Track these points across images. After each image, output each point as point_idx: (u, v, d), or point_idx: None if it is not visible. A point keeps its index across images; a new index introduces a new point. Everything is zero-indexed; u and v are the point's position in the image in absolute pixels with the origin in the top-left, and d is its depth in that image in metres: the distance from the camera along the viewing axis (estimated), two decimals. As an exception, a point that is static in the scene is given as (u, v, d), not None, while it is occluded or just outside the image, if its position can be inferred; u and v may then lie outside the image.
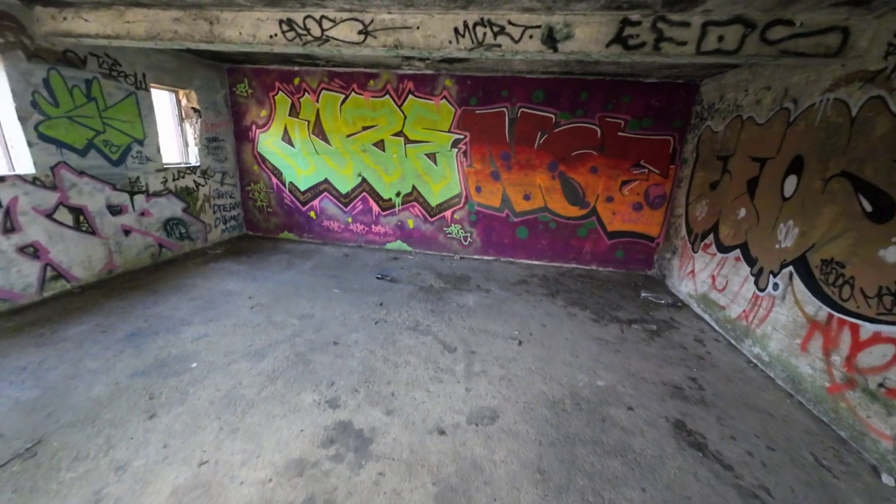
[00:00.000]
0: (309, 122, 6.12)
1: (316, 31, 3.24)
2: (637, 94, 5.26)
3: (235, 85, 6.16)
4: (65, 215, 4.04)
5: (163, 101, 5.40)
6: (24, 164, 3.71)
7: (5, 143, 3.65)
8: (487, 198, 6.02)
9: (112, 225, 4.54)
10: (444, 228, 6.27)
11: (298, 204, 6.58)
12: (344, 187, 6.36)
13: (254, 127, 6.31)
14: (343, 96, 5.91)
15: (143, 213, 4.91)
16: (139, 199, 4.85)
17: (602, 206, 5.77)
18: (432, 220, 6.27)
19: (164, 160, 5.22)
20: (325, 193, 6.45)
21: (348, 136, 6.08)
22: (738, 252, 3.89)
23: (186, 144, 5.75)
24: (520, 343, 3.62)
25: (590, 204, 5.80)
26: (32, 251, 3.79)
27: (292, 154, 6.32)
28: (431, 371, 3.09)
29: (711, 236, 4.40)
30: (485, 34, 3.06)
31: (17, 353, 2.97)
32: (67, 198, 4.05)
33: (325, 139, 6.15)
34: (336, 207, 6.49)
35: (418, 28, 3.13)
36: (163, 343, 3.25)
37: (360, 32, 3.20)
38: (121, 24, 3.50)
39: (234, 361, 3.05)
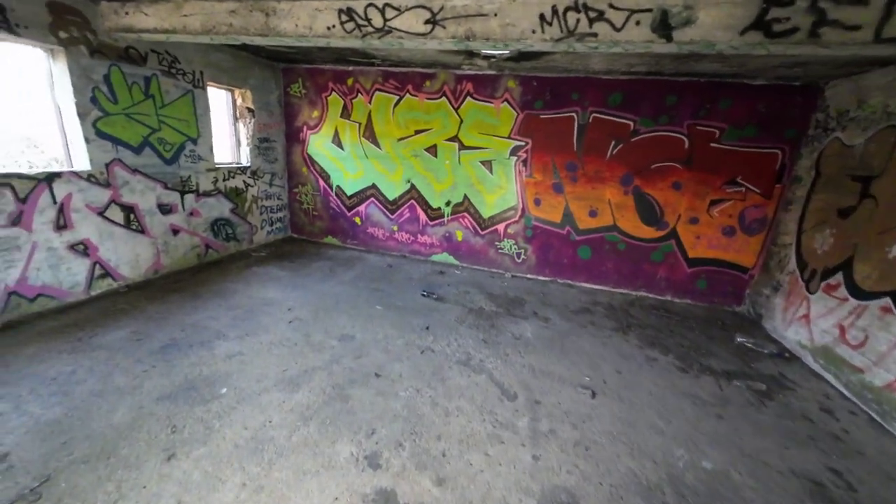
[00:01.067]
0: (360, 124, 5.85)
1: (378, 21, 2.86)
2: (739, 99, 4.44)
3: (290, 85, 6.04)
4: (116, 213, 3.98)
5: (218, 100, 5.35)
6: (81, 160, 3.66)
7: (65, 139, 3.62)
8: (547, 212, 5.41)
9: (161, 224, 4.46)
10: (496, 243, 5.73)
11: (344, 209, 6.34)
12: (391, 193, 6.02)
13: (305, 128, 6.15)
14: (397, 98, 5.57)
15: (192, 213, 4.83)
16: (189, 198, 4.77)
17: (684, 227, 4.96)
18: (483, 233, 5.75)
19: (216, 160, 5.14)
20: (372, 199, 6.14)
21: (400, 139, 5.73)
22: (887, 301, 3.02)
23: (238, 144, 5.67)
24: (593, 394, 3.00)
25: (668, 225, 5.01)
26: (82, 249, 3.73)
27: (341, 157, 6.09)
28: (489, 425, 2.56)
29: (840, 276, 3.51)
30: (578, 21, 2.52)
31: (52, 360, 2.82)
32: (119, 196, 3.99)
33: (376, 142, 5.85)
34: (382, 214, 6.17)
35: (495, 15, 2.64)
36: (195, 359, 2.99)
37: (427, 22, 2.77)
38: (178, 17, 3.33)
39: (266, 390, 2.70)
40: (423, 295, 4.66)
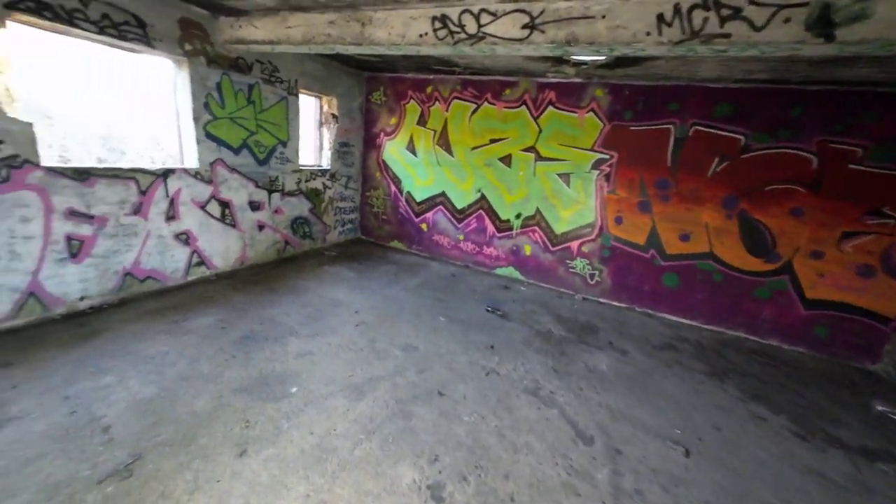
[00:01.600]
0: (435, 131, 5.86)
1: (471, 28, 2.76)
2: (892, 112, 3.64)
3: (372, 93, 6.26)
4: (214, 208, 4.36)
5: (307, 106, 5.69)
6: (191, 159, 4.05)
7: (180, 139, 4.04)
8: (629, 232, 4.92)
9: (250, 220, 4.81)
10: (567, 261, 5.35)
11: (412, 214, 6.38)
12: (460, 202, 5.93)
13: (382, 134, 6.33)
14: (474, 106, 5.49)
15: (276, 211, 5.16)
16: (275, 197, 5.11)
17: (802, 261, 4.19)
18: (554, 249, 5.41)
19: (301, 162, 5.45)
20: (440, 207, 6.11)
21: (473, 148, 5.63)
22: None
23: (321, 148, 5.98)
24: (687, 453, 2.56)
25: (781, 257, 4.27)
26: (185, 238, 4.12)
27: (414, 163, 6.15)
28: (562, 470, 2.28)
29: None
30: (705, 21, 2.18)
31: (150, 339, 3.10)
32: (219, 192, 4.36)
33: (449, 150, 5.81)
34: (449, 222, 6.10)
35: (603, 17, 2.40)
36: (269, 354, 3.10)
37: (524, 27, 2.61)
38: (282, 29, 3.55)
39: (332, 395, 2.70)
40: (488, 310, 4.46)
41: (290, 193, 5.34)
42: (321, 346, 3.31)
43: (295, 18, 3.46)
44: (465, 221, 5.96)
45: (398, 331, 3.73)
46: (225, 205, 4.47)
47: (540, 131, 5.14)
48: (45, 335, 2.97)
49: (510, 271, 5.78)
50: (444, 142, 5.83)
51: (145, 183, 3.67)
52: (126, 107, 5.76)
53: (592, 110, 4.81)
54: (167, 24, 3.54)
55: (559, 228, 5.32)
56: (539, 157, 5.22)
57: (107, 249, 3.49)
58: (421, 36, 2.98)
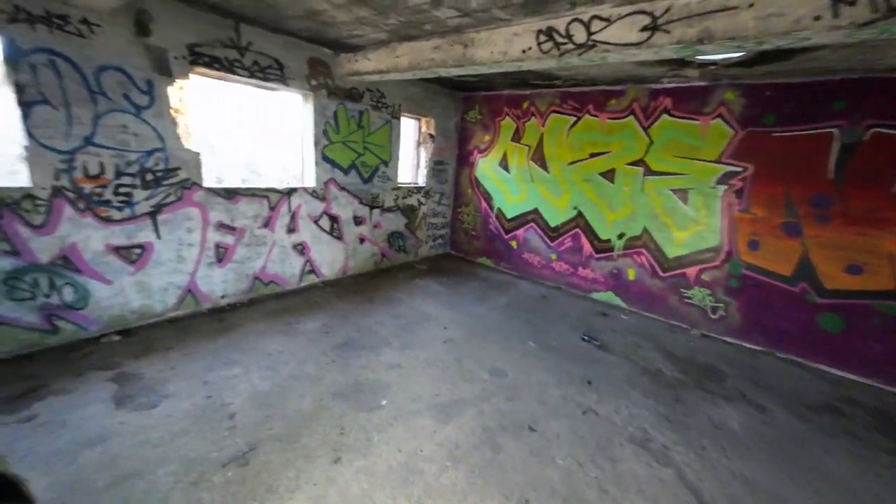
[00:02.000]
0: (530, 147, 5.70)
1: (580, 37, 2.59)
2: None
3: (467, 112, 6.40)
4: (325, 222, 4.85)
5: (407, 127, 6.05)
6: (309, 179, 4.59)
7: (302, 162, 4.61)
8: (769, 259, 4.05)
9: (353, 233, 5.24)
10: (682, 290, 4.63)
11: (502, 231, 6.27)
12: (554, 220, 5.63)
13: (475, 151, 6.40)
14: (574, 119, 5.20)
15: (376, 226, 5.54)
16: (375, 212, 5.49)
17: None
18: (664, 275, 4.73)
19: (399, 180, 5.79)
20: (532, 224, 5.88)
21: (571, 163, 5.31)
22: None
23: (418, 166, 6.29)
24: (873, 565, 1.89)
25: None
26: (301, 248, 4.65)
27: (506, 180, 6.06)
28: (683, 551, 1.87)
29: None
30: (910, -8, 1.66)
31: (270, 337, 3.51)
32: (330, 208, 4.85)
33: (544, 166, 5.59)
34: (540, 240, 5.82)
35: (750, 6, 2.01)
36: (364, 362, 3.25)
37: (643, 29, 2.35)
38: (392, 59, 3.83)
39: (419, 413, 2.68)
40: (584, 339, 4.07)
41: (389, 209, 5.69)
42: (410, 359, 3.37)
43: (403, 48, 3.70)
44: (559, 240, 5.62)
45: (486, 352, 3.61)
46: (334, 219, 4.94)
47: (651, 143, 4.61)
48: (195, 326, 3.59)
49: (609, 296, 5.23)
50: (538, 157, 5.63)
51: (274, 200, 4.25)
52: (264, 136, 6.87)
53: (720, 116, 4.14)
54: (299, 64, 4.11)
55: (672, 251, 4.65)
56: (649, 171, 4.67)
57: (243, 256, 4.11)
58: (524, 51, 2.90)
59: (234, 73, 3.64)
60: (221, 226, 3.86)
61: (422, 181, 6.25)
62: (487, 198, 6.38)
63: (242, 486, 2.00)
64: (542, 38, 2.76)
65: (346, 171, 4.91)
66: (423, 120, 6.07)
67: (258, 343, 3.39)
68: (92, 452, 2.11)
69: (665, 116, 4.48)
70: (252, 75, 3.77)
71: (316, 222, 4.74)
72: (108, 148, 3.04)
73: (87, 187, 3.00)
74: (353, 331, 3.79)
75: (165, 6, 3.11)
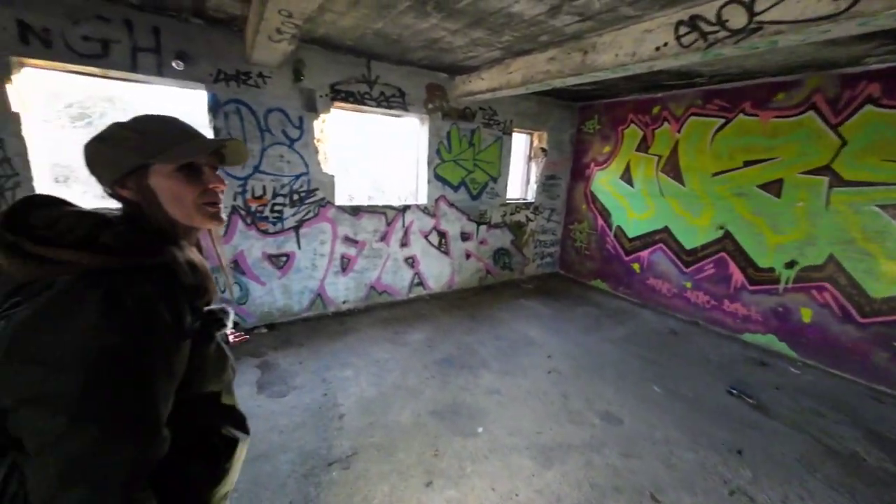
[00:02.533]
0: (660, 157, 4.96)
1: (738, 21, 2.10)
2: None
3: (584, 122, 5.96)
4: (434, 237, 5.05)
5: (518, 142, 5.93)
6: (422, 196, 4.85)
7: (416, 180, 4.91)
8: None
9: (459, 249, 5.33)
10: (895, 343, 3.33)
11: (621, 252, 5.57)
12: (690, 241, 4.74)
13: (592, 164, 5.89)
14: (721, 121, 4.32)
15: (482, 242, 5.53)
16: (482, 229, 5.49)
17: None
18: (864, 321, 3.48)
19: (508, 196, 5.69)
20: (660, 245, 5.07)
21: (716, 174, 4.41)
22: None
23: (527, 182, 6.09)
24: None
25: None
26: (411, 262, 4.92)
27: (629, 194, 5.39)
28: None
29: None
30: None
31: (379, 345, 3.75)
32: (439, 224, 5.04)
33: (679, 178, 4.78)
34: (671, 264, 4.96)
35: None
36: (463, 382, 3.19)
37: (840, -4, 1.77)
38: (504, 76, 3.79)
39: (517, 450, 2.47)
40: (731, 393, 3.24)
41: (496, 225, 5.62)
42: (510, 386, 3.17)
43: (516, 63, 3.63)
44: (697, 265, 4.69)
45: (597, 391, 3.17)
46: (442, 235, 5.11)
47: (843, 144, 3.50)
48: (321, 327, 4.08)
49: (769, 341, 4.10)
50: (671, 168, 4.85)
51: (391, 216, 4.61)
52: (387, 157, 7.63)
53: (973, 101, 2.89)
54: (418, 90, 4.41)
55: (878, 291, 3.40)
56: (839, 182, 3.55)
57: (362, 267, 4.54)
58: (657, 49, 2.52)
59: (364, 104, 4.11)
60: (347, 239, 4.34)
61: (531, 197, 6.02)
62: (605, 214, 5.77)
63: (342, 489, 2.11)
64: (683, 29, 2.35)
65: (455, 189, 5.04)
66: (536, 134, 5.87)
67: (369, 349, 3.65)
68: (237, 428, 2.52)
69: (869, 108, 3.35)
70: (379, 104, 4.18)
71: (426, 237, 4.97)
72: (269, 174, 3.72)
73: (253, 206, 3.71)
74: (454, 347, 3.79)
75: (314, 54, 3.69)
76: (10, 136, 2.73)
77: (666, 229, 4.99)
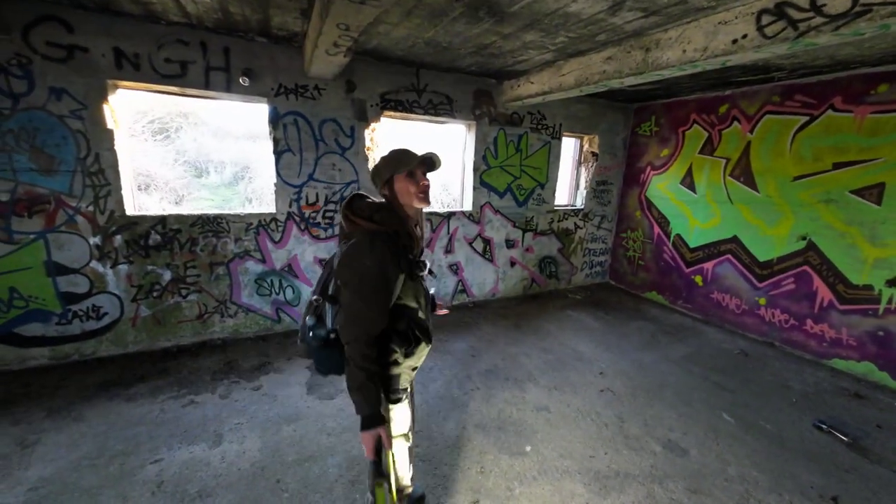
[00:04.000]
0: (728, 160, 4.53)
1: (839, 4, 1.84)
2: None
3: (639, 125, 5.62)
4: (479, 244, 4.98)
5: (566, 146, 5.71)
6: (467, 202, 4.81)
7: (462, 187, 4.88)
8: None
9: (504, 256, 5.21)
10: None
11: (681, 263, 5.15)
12: (765, 252, 4.26)
13: (648, 168, 5.52)
14: (804, 119, 3.86)
15: (527, 249, 5.37)
16: (528, 236, 5.33)
17: None
18: None
19: (555, 202, 5.49)
20: (728, 256, 4.61)
21: (797, 178, 3.94)
22: None
23: (577, 187, 5.84)
24: None
25: None
26: (455, 268, 4.89)
27: (690, 201, 4.98)
28: None
29: None
30: None
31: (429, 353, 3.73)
32: (484, 231, 4.96)
33: (751, 183, 4.33)
34: (741, 278, 4.50)
35: None
36: (508, 396, 3.07)
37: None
38: (556, 78, 3.66)
39: (569, 474, 2.31)
40: (820, 427, 2.84)
41: (542, 233, 5.44)
42: (559, 404, 3.00)
43: (569, 65, 3.49)
44: (773, 280, 4.20)
45: (657, 416, 2.91)
46: (486, 242, 5.02)
47: (967, 142, 2.97)
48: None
49: (867, 369, 3.56)
50: (742, 172, 4.40)
51: (436, 222, 4.61)
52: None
53: None
54: (465, 97, 4.39)
55: None
56: (961, 186, 3.01)
57: (407, 273, 4.57)
58: (734, 42, 2.28)
59: (413, 112, 4.16)
60: (392, 245, 4.40)
61: (580, 203, 5.77)
62: (662, 222, 5.38)
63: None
64: (768, 18, 2.11)
65: (501, 195, 4.95)
66: (586, 138, 5.62)
67: (412, 356, 3.64)
68: (288, 428, 2.60)
69: None
70: (426, 112, 4.22)
71: (470, 244, 4.91)
72: (321, 182, 3.87)
73: (307, 212, 3.87)
74: (499, 358, 3.68)
75: (366, 65, 3.80)
76: (105, 150, 3.07)
77: (735, 239, 4.53)
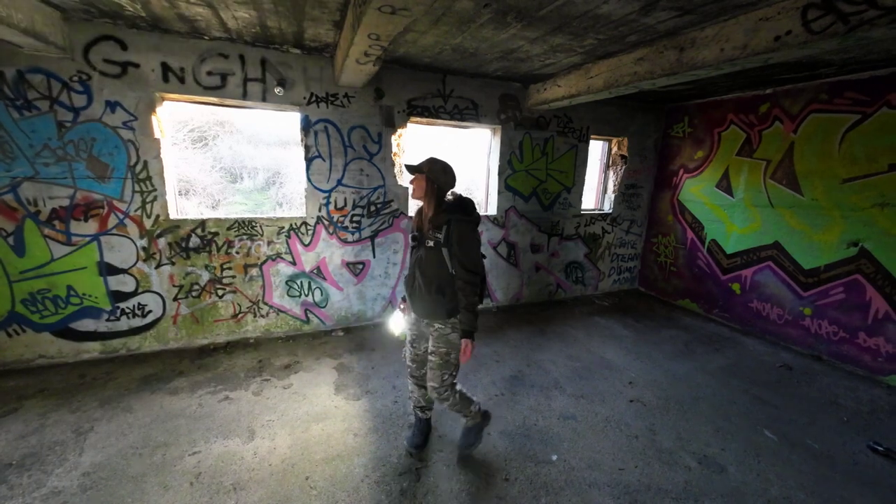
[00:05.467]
0: (769, 161, 4.31)
1: (895, -3, 1.73)
2: None
3: (672, 126, 5.43)
4: (503, 249, 4.94)
5: (594, 149, 5.60)
6: (492, 206, 4.80)
7: (486, 190, 4.87)
8: None
9: (529, 261, 5.15)
10: None
11: (717, 269, 4.92)
12: (810, 260, 4.01)
13: (681, 171, 5.32)
14: (855, 118, 3.62)
15: (553, 254, 5.29)
16: (554, 240, 5.25)
17: None
18: None
19: (582, 207, 5.38)
20: (769, 263, 4.36)
21: (846, 180, 3.69)
22: None
23: (604, 191, 5.71)
24: None
25: None
26: (479, 273, 4.87)
27: (727, 205, 4.75)
28: None
29: None
30: None
31: (447, 355, 3.73)
32: (508, 235, 4.93)
33: (795, 186, 4.09)
34: (783, 286, 4.24)
35: None
36: (534, 403, 3.03)
37: None
38: (584, 81, 3.61)
39: (598, 486, 2.25)
40: (875, 449, 2.62)
41: (568, 237, 5.34)
42: (586, 413, 2.93)
43: (598, 67, 3.43)
44: (820, 289, 3.94)
45: (691, 430, 2.78)
46: (511, 246, 4.99)
47: None
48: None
49: (929, 388, 3.27)
50: (785, 174, 4.17)
51: (460, 227, 4.62)
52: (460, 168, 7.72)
53: None
54: (491, 101, 4.40)
55: None
56: None
57: (431, 276, 4.60)
58: (777, 38, 2.18)
59: (439, 117, 4.20)
60: (417, 249, 4.45)
61: (608, 207, 5.63)
62: (696, 227, 5.16)
63: (412, 500, 2.10)
64: (815, 13, 2.00)
65: (526, 199, 4.90)
66: (615, 140, 5.49)
67: (437, 359, 3.65)
68: (317, 427, 2.67)
69: None
70: (452, 117, 4.25)
71: (494, 248, 4.89)
72: (350, 187, 3.97)
73: (335, 216, 3.98)
74: (524, 364, 3.63)
75: (394, 73, 3.88)
76: (153, 158, 3.28)
77: (776, 245, 4.29)
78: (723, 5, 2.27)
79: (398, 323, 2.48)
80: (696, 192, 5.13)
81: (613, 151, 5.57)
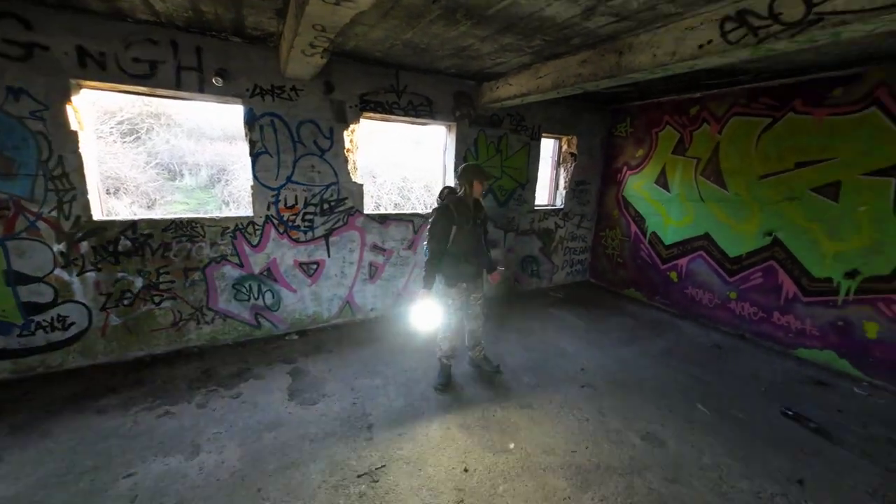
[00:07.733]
0: (699, 160, 4.71)
1: (794, 13, 1.94)
2: None
3: (615, 126, 5.77)
4: (461, 245, 4.99)
5: (546, 147, 5.81)
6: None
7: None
8: None
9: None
10: (985, 365, 2.95)
11: (657, 260, 5.31)
12: (735, 248, 4.45)
13: (624, 168, 5.68)
14: (768, 121, 4.05)
15: (509, 250, 5.43)
16: (510, 236, 5.39)
17: None
18: (943, 337, 3.12)
19: (536, 202, 5.57)
20: (701, 253, 4.79)
21: (763, 177, 4.13)
22: None
23: (556, 188, 5.95)
24: None
25: None
26: (438, 270, 4.89)
27: (664, 200, 5.14)
28: None
29: None
30: None
31: (408, 355, 3.72)
32: (466, 231, 4.98)
33: (720, 182, 4.51)
34: (713, 274, 4.68)
35: None
36: (493, 395, 3.10)
37: (917, -20, 1.59)
38: (534, 81, 3.72)
39: (552, 469, 2.35)
40: (786, 414, 2.98)
41: (523, 233, 5.51)
42: (542, 401, 3.05)
43: (546, 68, 3.55)
44: (743, 274, 4.39)
45: (635, 409, 2.99)
46: (469, 242, 5.04)
47: (913, 142, 3.18)
48: (349, 333, 4.11)
49: (828, 357, 3.76)
50: (712, 172, 4.59)
51: (418, 224, 4.61)
52: (413, 165, 7.67)
53: None
54: (445, 98, 4.41)
55: (960, 303, 3.04)
56: (909, 184, 3.22)
57: (390, 275, 4.55)
58: (700, 47, 2.38)
59: (392, 113, 4.15)
60: (375, 247, 4.38)
61: (560, 203, 5.87)
62: (638, 220, 5.53)
63: (371, 502, 2.07)
64: (730, 25, 2.20)
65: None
66: (565, 139, 5.73)
67: (397, 358, 3.63)
68: (269, 435, 2.55)
69: (943, 102, 3.03)
70: (406, 113, 4.21)
71: (453, 245, 4.92)
72: (300, 184, 3.81)
73: (286, 215, 3.81)
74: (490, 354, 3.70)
75: (345, 66, 3.77)
76: (69, 153, 2.94)
77: (707, 236, 4.71)
78: (655, 14, 2.44)
79: (426, 313, 3.10)
80: (638, 188, 5.50)
81: (564, 149, 5.81)
